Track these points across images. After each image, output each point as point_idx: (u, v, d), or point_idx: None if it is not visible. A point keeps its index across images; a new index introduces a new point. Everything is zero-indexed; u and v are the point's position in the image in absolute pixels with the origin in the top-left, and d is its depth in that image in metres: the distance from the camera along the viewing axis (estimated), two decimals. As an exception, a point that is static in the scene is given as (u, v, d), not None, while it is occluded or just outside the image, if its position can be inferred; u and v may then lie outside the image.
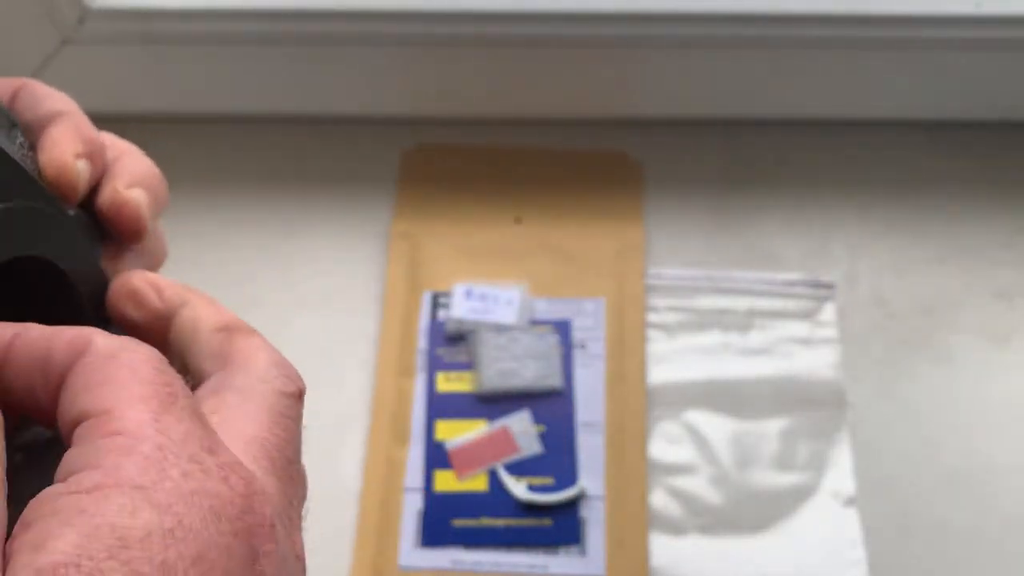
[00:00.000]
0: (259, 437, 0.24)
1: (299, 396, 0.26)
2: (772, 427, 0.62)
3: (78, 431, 0.22)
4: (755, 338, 0.64)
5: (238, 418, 0.24)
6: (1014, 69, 0.68)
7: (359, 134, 0.73)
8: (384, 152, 0.72)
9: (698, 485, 0.60)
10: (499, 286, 0.65)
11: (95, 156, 0.32)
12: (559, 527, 0.58)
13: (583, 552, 0.58)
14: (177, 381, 0.23)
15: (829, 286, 0.66)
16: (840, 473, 0.60)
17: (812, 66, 0.68)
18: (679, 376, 0.63)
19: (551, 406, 0.62)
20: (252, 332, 0.27)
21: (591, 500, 0.59)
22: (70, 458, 0.21)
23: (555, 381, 0.62)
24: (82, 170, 0.30)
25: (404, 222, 0.69)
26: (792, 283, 0.66)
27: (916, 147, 0.72)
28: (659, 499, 0.60)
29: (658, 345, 0.64)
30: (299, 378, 0.26)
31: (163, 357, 0.24)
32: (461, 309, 0.64)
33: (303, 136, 0.73)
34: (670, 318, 0.65)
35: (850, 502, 0.60)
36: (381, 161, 0.71)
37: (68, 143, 0.30)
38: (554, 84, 0.70)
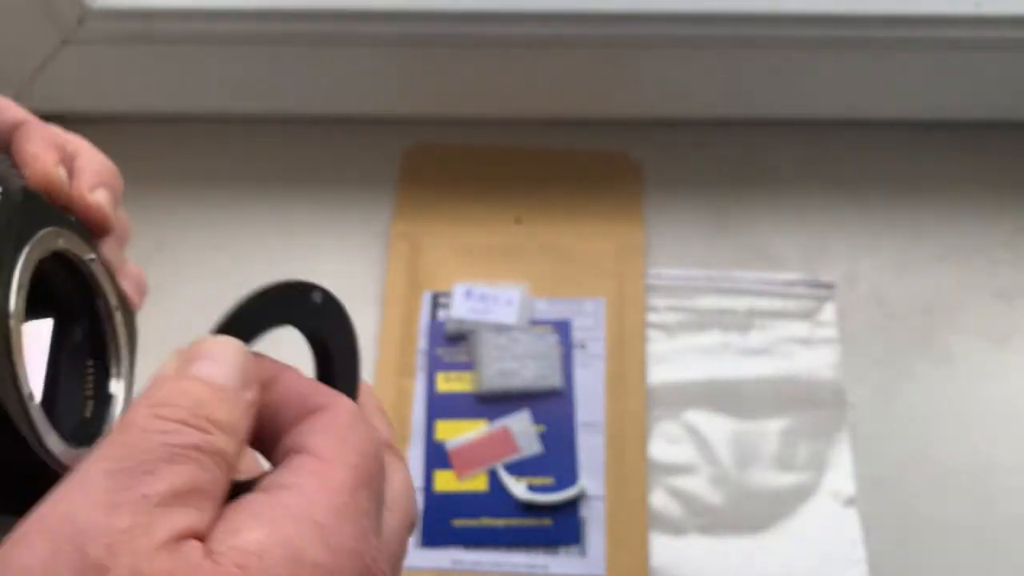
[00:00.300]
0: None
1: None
2: (772, 427, 0.62)
3: (295, 459, 0.25)
4: (755, 338, 0.64)
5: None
6: (1014, 69, 0.68)
7: (359, 134, 0.73)
8: (384, 152, 0.72)
9: (698, 485, 0.60)
10: (499, 286, 0.65)
11: (66, 160, 0.35)
12: (559, 527, 0.58)
13: (583, 552, 0.58)
14: (380, 468, 0.27)
15: (829, 286, 0.66)
16: (840, 473, 0.60)
17: (812, 66, 0.68)
18: (679, 376, 0.63)
19: (551, 406, 0.62)
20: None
21: (591, 500, 0.59)
22: (279, 475, 0.25)
23: (555, 381, 0.62)
24: (63, 176, 0.34)
25: (404, 222, 0.69)
26: (792, 283, 0.66)
27: (916, 147, 0.72)
28: (659, 499, 0.60)
29: (658, 345, 0.64)
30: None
31: (384, 443, 0.28)
32: (461, 309, 0.64)
33: (303, 136, 0.73)
34: (670, 318, 0.65)
35: (850, 502, 0.60)
36: (381, 161, 0.71)
37: (46, 154, 0.33)
38: (554, 84, 0.70)
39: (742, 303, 0.65)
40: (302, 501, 0.24)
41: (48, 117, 0.79)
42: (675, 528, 0.59)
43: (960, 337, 0.65)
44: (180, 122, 0.73)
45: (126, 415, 0.24)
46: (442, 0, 0.65)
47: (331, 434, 0.26)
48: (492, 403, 0.62)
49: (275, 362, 0.29)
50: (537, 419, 0.61)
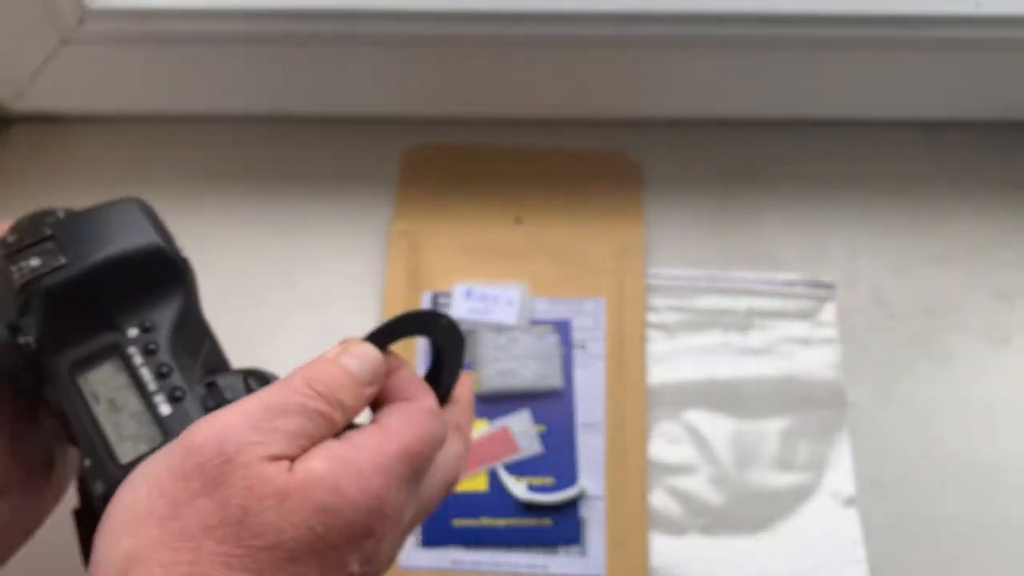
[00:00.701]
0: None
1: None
2: (772, 427, 0.62)
3: (372, 426, 0.38)
4: (755, 338, 0.64)
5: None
6: (1014, 69, 0.68)
7: (359, 134, 0.73)
8: (384, 152, 0.72)
9: (698, 485, 0.60)
10: (499, 286, 0.65)
11: None
12: (559, 527, 0.58)
13: (583, 552, 0.58)
14: (427, 451, 0.38)
15: (829, 286, 0.66)
16: (840, 473, 0.60)
17: (812, 66, 0.68)
18: (679, 376, 0.63)
19: (551, 406, 0.62)
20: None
21: (591, 500, 0.59)
22: (356, 433, 0.37)
23: (555, 381, 0.62)
24: None
25: (404, 222, 0.69)
26: (792, 283, 0.66)
27: (916, 147, 0.72)
28: (659, 499, 0.60)
29: (658, 345, 0.64)
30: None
31: (451, 432, 0.42)
32: (461, 309, 0.64)
33: (303, 136, 0.73)
34: (670, 318, 0.65)
35: (850, 502, 0.60)
36: (381, 161, 0.71)
37: None
38: (554, 84, 0.70)
39: (742, 303, 0.65)
40: (357, 453, 0.35)
41: (48, 117, 0.80)
42: (675, 528, 0.59)
43: (960, 337, 0.65)
44: (180, 122, 0.73)
45: (290, 375, 0.37)
46: (442, 0, 0.65)
47: (403, 417, 0.38)
48: (492, 403, 0.62)
49: (400, 359, 0.41)
50: (537, 419, 0.61)
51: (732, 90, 0.70)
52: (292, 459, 0.34)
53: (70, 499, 0.56)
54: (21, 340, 0.42)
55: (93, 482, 0.41)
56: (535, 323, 0.64)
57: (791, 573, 0.58)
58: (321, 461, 0.34)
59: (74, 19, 0.66)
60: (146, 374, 0.42)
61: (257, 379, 0.43)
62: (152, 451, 0.39)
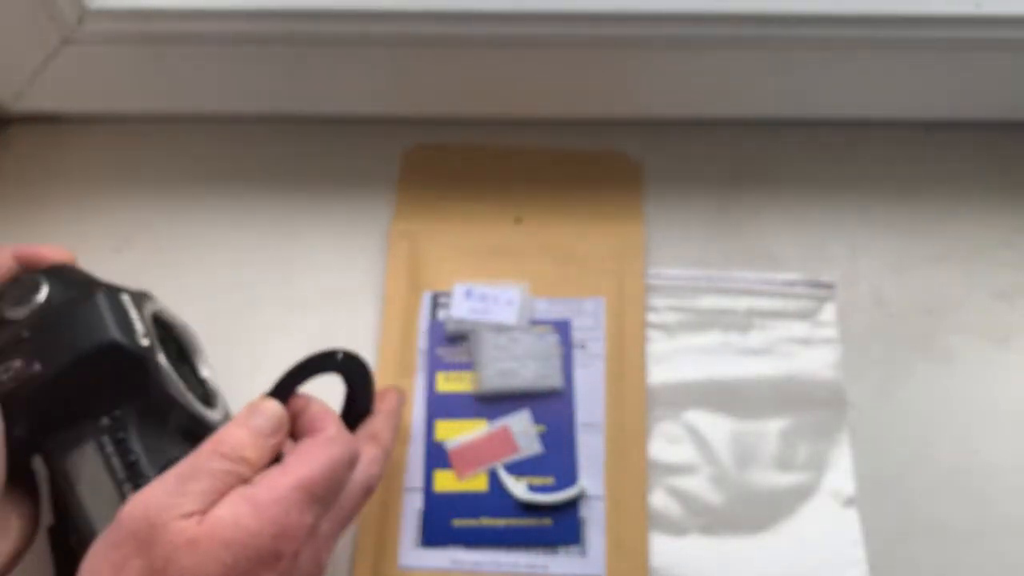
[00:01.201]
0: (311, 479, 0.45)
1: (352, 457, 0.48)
2: (772, 427, 0.62)
3: (275, 465, 0.45)
4: (755, 338, 0.64)
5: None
6: (1014, 69, 0.68)
7: (359, 134, 0.73)
8: (384, 152, 0.72)
9: (698, 485, 0.60)
10: (499, 286, 0.65)
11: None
12: (559, 527, 0.58)
13: (583, 552, 0.58)
14: (328, 477, 0.45)
15: (829, 286, 0.66)
16: (840, 473, 0.60)
17: (812, 66, 0.68)
18: (679, 376, 0.63)
19: (551, 406, 0.62)
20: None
21: (591, 500, 0.59)
22: (260, 473, 0.45)
23: (555, 381, 0.62)
24: None
25: (404, 222, 0.69)
26: (792, 283, 0.66)
27: (916, 147, 0.72)
28: (659, 499, 0.60)
29: (658, 345, 0.64)
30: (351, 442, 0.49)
31: (362, 445, 0.50)
32: (461, 309, 0.64)
33: (303, 136, 0.73)
34: (670, 318, 0.65)
35: (850, 502, 0.60)
36: (381, 161, 0.71)
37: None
38: (554, 84, 0.70)
39: (742, 303, 0.65)
40: (256, 491, 0.43)
41: (48, 117, 0.80)
42: (675, 528, 0.59)
43: (960, 337, 0.65)
44: (180, 122, 0.73)
45: (203, 444, 0.45)
46: (442, 0, 0.65)
47: (302, 450, 0.46)
48: (492, 403, 0.62)
49: (306, 398, 0.50)
50: (537, 419, 0.61)
51: (732, 90, 0.70)
52: (203, 512, 0.42)
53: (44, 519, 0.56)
54: (16, 432, 0.48)
55: (81, 557, 0.48)
56: (535, 323, 0.64)
57: (791, 573, 0.58)
58: (224, 507, 0.42)
59: (74, 19, 0.66)
60: (116, 463, 0.49)
61: None
62: None
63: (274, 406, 0.47)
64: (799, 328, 0.65)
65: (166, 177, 0.72)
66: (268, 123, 0.73)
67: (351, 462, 0.47)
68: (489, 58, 0.68)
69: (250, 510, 0.42)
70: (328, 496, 0.45)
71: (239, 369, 0.58)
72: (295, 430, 0.48)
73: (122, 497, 0.48)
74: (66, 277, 0.52)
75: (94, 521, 0.49)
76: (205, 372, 0.56)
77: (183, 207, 0.70)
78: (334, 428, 0.47)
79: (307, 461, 0.44)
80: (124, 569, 0.40)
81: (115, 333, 0.49)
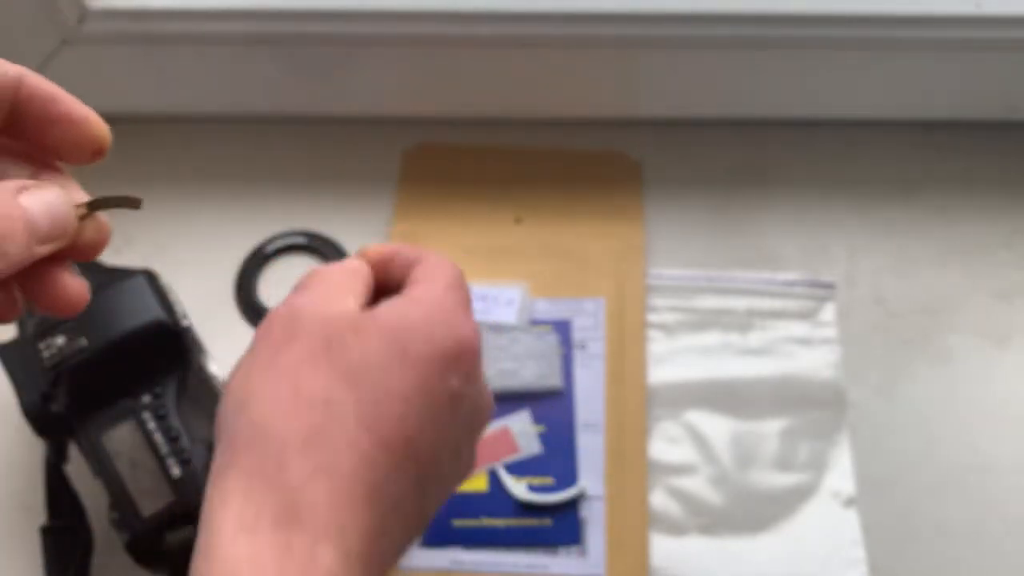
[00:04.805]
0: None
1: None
2: (772, 427, 0.62)
3: (411, 286, 0.40)
4: (755, 338, 0.64)
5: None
6: (1014, 69, 0.68)
7: (359, 134, 0.73)
8: (384, 152, 0.72)
9: (698, 485, 0.60)
10: (499, 286, 0.65)
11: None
12: (559, 527, 0.58)
13: (583, 552, 0.58)
14: (460, 278, 0.43)
15: (829, 286, 0.66)
16: (840, 473, 0.60)
17: (812, 66, 0.68)
18: (679, 376, 0.63)
19: (551, 406, 0.62)
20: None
21: (591, 500, 0.59)
22: (405, 291, 0.40)
23: (555, 381, 0.62)
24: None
25: (404, 222, 0.69)
26: (792, 283, 0.66)
27: (916, 147, 0.72)
28: (659, 499, 0.60)
29: (658, 345, 0.64)
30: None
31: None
32: (461, 309, 0.64)
33: (303, 136, 0.73)
34: (670, 318, 0.65)
35: (850, 502, 0.60)
36: (381, 161, 0.71)
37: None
38: (554, 84, 0.70)
39: (742, 303, 0.65)
40: (413, 293, 0.39)
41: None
42: (675, 528, 0.59)
43: (960, 337, 0.65)
44: (180, 122, 0.73)
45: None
46: (443, 0, 0.65)
47: (427, 269, 0.42)
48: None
49: (392, 246, 0.44)
50: (537, 419, 0.61)
51: (732, 90, 0.70)
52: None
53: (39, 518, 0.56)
54: (53, 408, 0.51)
55: (120, 532, 0.51)
56: (535, 323, 0.64)
57: (791, 573, 0.58)
58: (383, 307, 0.38)
59: (74, 19, 0.66)
60: (159, 438, 0.50)
61: None
62: (168, 507, 0.50)
63: (355, 263, 0.42)
64: (799, 328, 0.65)
65: (166, 177, 0.72)
66: (268, 123, 0.73)
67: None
68: (490, 58, 0.68)
69: (414, 306, 0.38)
70: (469, 307, 0.41)
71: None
72: (393, 277, 0.42)
73: (165, 472, 0.50)
74: (95, 265, 0.53)
75: (136, 497, 0.50)
76: (213, 367, 0.57)
77: (182, 207, 0.70)
78: (433, 255, 0.43)
79: (441, 272, 0.41)
80: (282, 351, 0.36)
81: (160, 312, 0.51)
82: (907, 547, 0.59)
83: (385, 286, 0.41)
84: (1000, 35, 0.66)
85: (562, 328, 0.64)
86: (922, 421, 0.62)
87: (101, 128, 0.35)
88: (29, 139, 0.34)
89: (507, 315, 0.64)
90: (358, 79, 0.70)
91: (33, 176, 0.34)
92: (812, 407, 0.62)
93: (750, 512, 0.59)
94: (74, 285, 0.33)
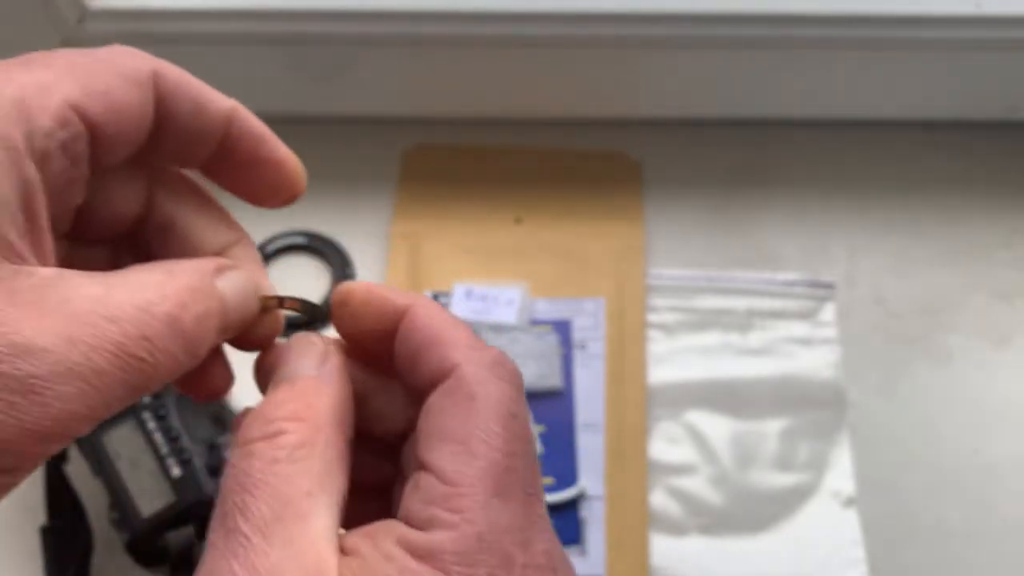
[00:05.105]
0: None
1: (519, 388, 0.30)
2: (772, 427, 0.62)
3: (423, 479, 0.26)
4: (755, 338, 0.64)
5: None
6: (1014, 69, 0.68)
7: (359, 134, 0.73)
8: (384, 152, 0.72)
9: (698, 485, 0.60)
10: (499, 286, 0.65)
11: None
12: (559, 527, 0.58)
13: (583, 552, 0.58)
14: (519, 438, 0.27)
15: (829, 286, 0.66)
16: (840, 473, 0.60)
17: (812, 66, 0.68)
18: (679, 376, 0.63)
19: (551, 406, 0.62)
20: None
21: (591, 500, 0.59)
22: (410, 502, 0.26)
23: (555, 381, 0.62)
24: None
25: (404, 222, 0.69)
26: (792, 283, 0.66)
27: (916, 147, 0.72)
28: (659, 499, 0.60)
29: (658, 345, 0.64)
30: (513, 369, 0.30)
31: (515, 396, 0.29)
32: (461, 309, 0.64)
33: (303, 136, 0.73)
34: (670, 318, 0.65)
35: (850, 502, 0.60)
36: (381, 161, 0.71)
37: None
38: (554, 84, 0.70)
39: (742, 303, 0.65)
40: (432, 545, 0.25)
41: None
42: (675, 528, 0.59)
43: (960, 337, 0.65)
44: (180, 122, 0.73)
45: None
46: (443, 1, 0.65)
47: (454, 412, 0.27)
48: (492, 403, 0.62)
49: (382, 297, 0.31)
50: (537, 419, 0.61)
51: (732, 90, 0.70)
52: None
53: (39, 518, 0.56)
54: None
55: (120, 532, 0.51)
56: (535, 323, 0.64)
57: (791, 573, 0.58)
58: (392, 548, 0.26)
59: (74, 19, 0.66)
60: (159, 438, 0.51)
61: None
62: (168, 507, 0.50)
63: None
64: (799, 328, 0.65)
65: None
66: (268, 123, 0.73)
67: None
68: (490, 58, 0.68)
69: (452, 537, 0.25)
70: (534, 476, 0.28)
71: (237, 370, 0.58)
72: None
73: (165, 472, 0.50)
74: None
75: (135, 497, 0.50)
76: None
77: (183, 207, 0.70)
78: (463, 343, 0.29)
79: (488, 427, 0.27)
80: None
81: None
82: (907, 547, 0.59)
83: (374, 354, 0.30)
84: (1000, 35, 0.66)
85: (562, 328, 0.64)
86: (922, 421, 0.62)
87: (300, 174, 0.34)
88: (225, 179, 0.32)
89: (507, 315, 0.64)
90: (358, 79, 0.70)
91: (224, 241, 0.31)
92: (812, 407, 0.62)
93: (750, 512, 0.59)
94: (223, 375, 0.30)
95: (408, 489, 0.27)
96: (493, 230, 0.68)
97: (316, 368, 0.29)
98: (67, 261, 0.28)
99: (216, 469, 0.52)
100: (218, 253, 0.31)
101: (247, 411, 0.28)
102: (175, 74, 0.28)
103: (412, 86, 0.70)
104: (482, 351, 0.29)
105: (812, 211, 0.70)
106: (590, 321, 0.64)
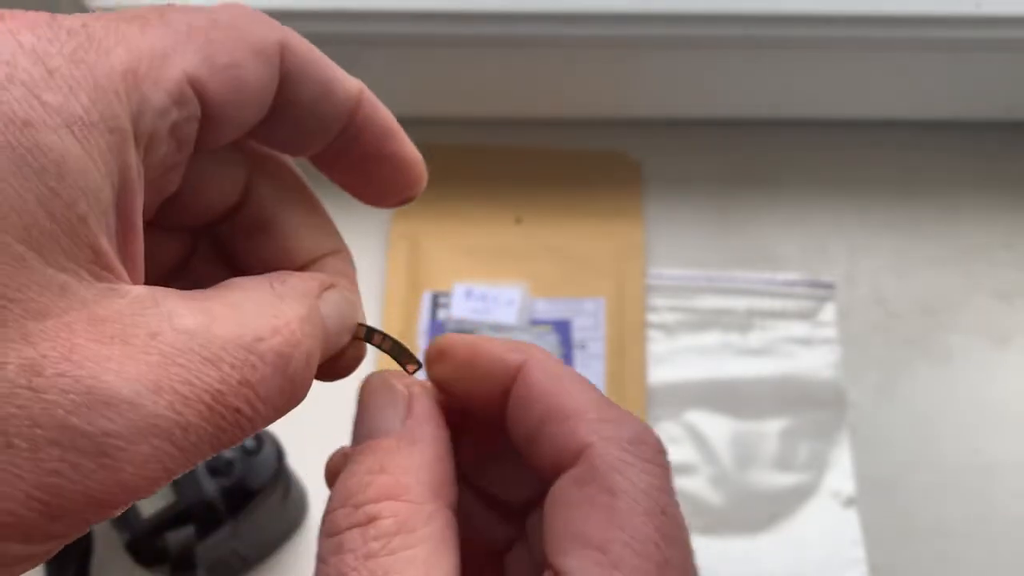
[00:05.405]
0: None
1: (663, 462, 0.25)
2: (772, 427, 0.62)
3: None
4: (755, 338, 0.64)
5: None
6: (1014, 69, 0.68)
7: (359, 134, 0.73)
8: (384, 152, 0.72)
9: (698, 485, 0.60)
10: (499, 286, 0.65)
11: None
12: (559, 527, 0.58)
13: (583, 552, 0.58)
14: (672, 541, 0.22)
15: (829, 286, 0.66)
16: (840, 473, 0.60)
17: (812, 66, 0.68)
18: (679, 376, 0.63)
19: (551, 406, 0.62)
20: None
21: (591, 500, 0.59)
22: None
23: (555, 381, 0.62)
24: None
25: (404, 222, 0.69)
26: (792, 283, 0.66)
27: (916, 147, 0.72)
28: (659, 499, 0.60)
29: (658, 345, 0.64)
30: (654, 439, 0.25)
31: (663, 485, 0.23)
32: (461, 309, 0.64)
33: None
34: (670, 318, 0.65)
35: (850, 502, 0.60)
36: (381, 161, 0.71)
37: None
38: (554, 84, 0.70)
39: (742, 303, 0.65)
40: None
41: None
42: (675, 528, 0.59)
43: (960, 337, 0.65)
44: (180, 122, 0.73)
45: None
46: (444, 1, 0.65)
47: (587, 514, 0.23)
48: (492, 403, 0.62)
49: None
50: (537, 419, 0.61)
51: (732, 90, 0.70)
52: None
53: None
54: None
55: (120, 532, 0.50)
56: (535, 323, 0.64)
57: (791, 573, 0.58)
58: None
59: (74, 19, 0.66)
60: None
61: (252, 437, 0.48)
62: (168, 507, 0.50)
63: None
64: (799, 328, 0.65)
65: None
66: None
67: None
68: (490, 58, 0.68)
69: None
70: None
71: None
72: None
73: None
74: None
75: (137, 503, 0.50)
76: None
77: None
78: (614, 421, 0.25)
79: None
80: None
81: None
82: (907, 547, 0.59)
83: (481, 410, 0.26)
84: (1000, 35, 0.66)
85: (562, 328, 0.64)
86: (922, 421, 0.62)
87: (423, 176, 0.28)
88: (338, 172, 0.28)
89: (507, 315, 0.64)
90: (358, 79, 0.70)
91: (323, 249, 0.27)
92: (812, 407, 0.62)
93: (750, 512, 0.59)
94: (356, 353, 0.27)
95: None
96: (493, 230, 0.68)
97: (400, 421, 0.25)
98: None
99: (216, 469, 0.51)
100: (313, 262, 0.27)
101: (339, 456, 0.24)
102: (304, 48, 0.24)
103: (412, 86, 0.70)
104: (618, 424, 0.24)
105: (812, 211, 0.70)
106: (590, 321, 0.64)
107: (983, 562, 0.58)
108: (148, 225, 0.22)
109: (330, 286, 0.25)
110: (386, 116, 0.28)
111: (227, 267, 0.27)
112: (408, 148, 0.28)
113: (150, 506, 0.50)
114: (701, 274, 0.66)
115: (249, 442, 0.52)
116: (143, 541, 0.51)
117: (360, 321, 0.27)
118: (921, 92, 0.70)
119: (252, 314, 0.21)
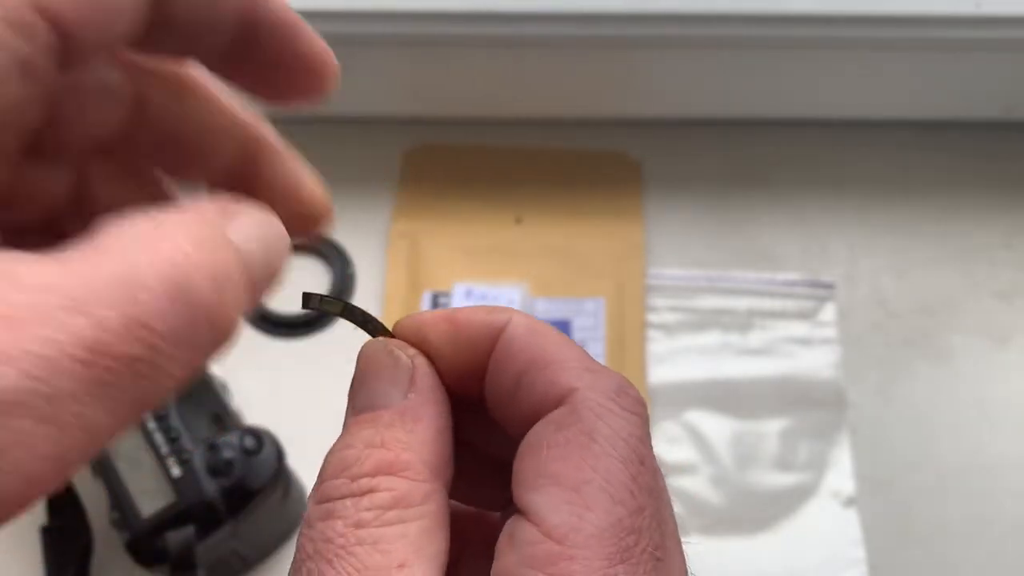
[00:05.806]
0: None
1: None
2: (772, 427, 0.62)
3: (522, 529, 0.21)
4: (755, 338, 0.64)
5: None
6: (1014, 69, 0.68)
7: (359, 134, 0.73)
8: (384, 152, 0.72)
9: (698, 485, 0.60)
10: (499, 286, 0.65)
11: None
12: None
13: (583, 552, 0.58)
14: (648, 490, 0.22)
15: (829, 286, 0.66)
16: (840, 473, 0.60)
17: (812, 66, 0.68)
18: (679, 376, 0.63)
19: (551, 406, 0.62)
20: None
21: (591, 500, 0.59)
22: (506, 559, 0.21)
23: (555, 381, 0.62)
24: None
25: (404, 222, 0.69)
26: (792, 283, 0.66)
27: (915, 147, 0.72)
28: (659, 499, 0.60)
29: (658, 345, 0.64)
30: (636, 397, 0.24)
31: (643, 435, 0.23)
32: (461, 309, 0.64)
33: (303, 136, 0.73)
34: (670, 318, 0.65)
35: (850, 502, 0.60)
36: (381, 161, 0.71)
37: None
38: (554, 84, 0.70)
39: (742, 303, 0.65)
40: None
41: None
42: (675, 528, 0.59)
43: (960, 337, 0.65)
44: (180, 122, 0.73)
45: None
46: (443, 1, 0.65)
47: (563, 463, 0.22)
48: (492, 403, 0.62)
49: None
50: (537, 419, 0.61)
51: (732, 90, 0.70)
52: None
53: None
54: None
55: (120, 532, 0.51)
56: (535, 323, 0.64)
57: (791, 573, 0.58)
58: None
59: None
60: (159, 438, 0.51)
61: (253, 437, 0.52)
62: (168, 507, 0.50)
63: None
64: (799, 328, 0.65)
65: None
66: (268, 123, 0.73)
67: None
68: (490, 58, 0.68)
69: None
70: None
71: (241, 364, 0.58)
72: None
73: (165, 472, 0.51)
74: None
75: (135, 497, 0.51)
76: (214, 367, 0.57)
77: (183, 207, 0.70)
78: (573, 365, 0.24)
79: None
80: None
81: None
82: (907, 547, 0.59)
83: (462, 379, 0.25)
84: (1000, 35, 0.66)
85: (562, 328, 0.64)
86: (922, 421, 0.62)
87: (332, 69, 0.26)
88: (237, 78, 0.25)
89: (507, 315, 0.64)
90: (358, 79, 0.70)
91: (245, 151, 0.24)
92: (812, 407, 0.62)
93: (750, 512, 0.59)
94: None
95: (502, 540, 0.21)
96: (493, 230, 0.68)
97: (403, 393, 0.23)
98: (12, 189, 0.20)
99: (216, 469, 0.51)
100: (239, 166, 0.25)
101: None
102: None
103: (412, 86, 0.70)
104: (602, 375, 0.23)
105: (812, 211, 0.70)
106: (590, 321, 0.64)
107: (983, 562, 0.58)
108: (24, 158, 0.20)
109: (238, 210, 0.21)
110: (284, 9, 0.25)
111: (146, 196, 0.24)
112: (312, 41, 0.26)
113: (150, 506, 0.50)
114: (701, 274, 0.66)
115: (249, 442, 0.52)
116: (143, 541, 0.51)
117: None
118: (921, 92, 0.70)
119: (128, 251, 0.17)
